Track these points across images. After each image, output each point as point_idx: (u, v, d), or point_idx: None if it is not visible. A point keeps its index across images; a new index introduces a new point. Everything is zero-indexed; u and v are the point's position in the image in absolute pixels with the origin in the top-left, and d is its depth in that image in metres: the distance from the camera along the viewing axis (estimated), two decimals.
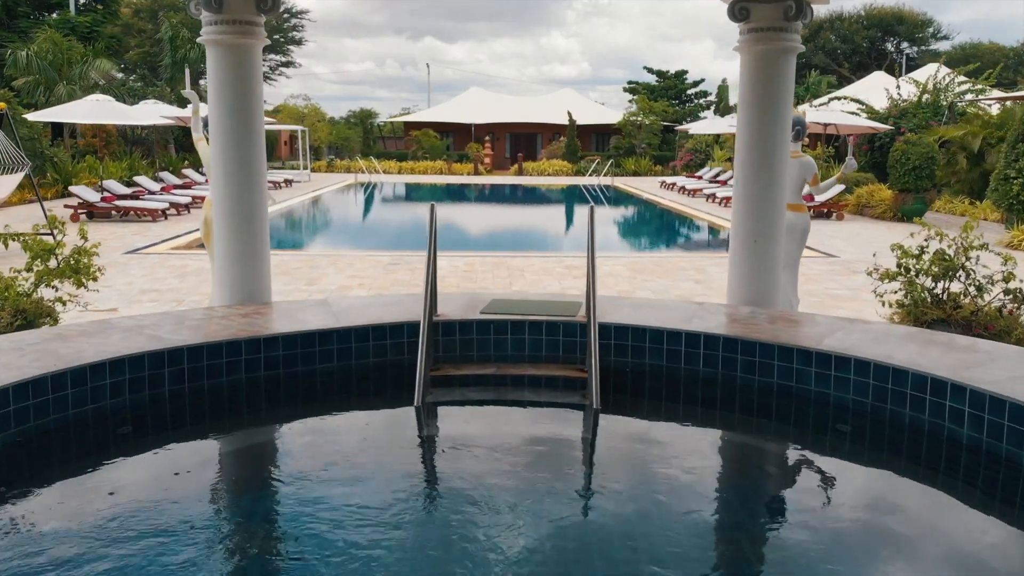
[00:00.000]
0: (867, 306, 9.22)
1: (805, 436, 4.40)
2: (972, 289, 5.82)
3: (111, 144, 27.74)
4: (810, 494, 3.70)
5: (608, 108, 51.95)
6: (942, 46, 59.80)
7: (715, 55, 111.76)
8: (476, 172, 39.31)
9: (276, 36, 55.50)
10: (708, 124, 30.25)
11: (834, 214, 19.01)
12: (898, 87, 26.00)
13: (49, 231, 6.77)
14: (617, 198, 28.09)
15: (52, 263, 6.29)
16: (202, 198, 20.97)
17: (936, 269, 5.78)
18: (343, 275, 10.80)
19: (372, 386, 4.84)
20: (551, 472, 3.67)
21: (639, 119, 39.34)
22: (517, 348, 4.97)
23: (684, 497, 3.55)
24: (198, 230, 16.65)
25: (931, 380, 3.96)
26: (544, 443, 4.03)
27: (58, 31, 28.55)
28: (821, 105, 28.79)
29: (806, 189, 6.53)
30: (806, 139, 6.18)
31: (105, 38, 32.54)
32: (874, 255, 6.41)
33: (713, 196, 23.23)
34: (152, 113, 19.37)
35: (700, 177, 28.60)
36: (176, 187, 21.10)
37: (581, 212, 25.09)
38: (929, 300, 5.83)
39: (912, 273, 5.84)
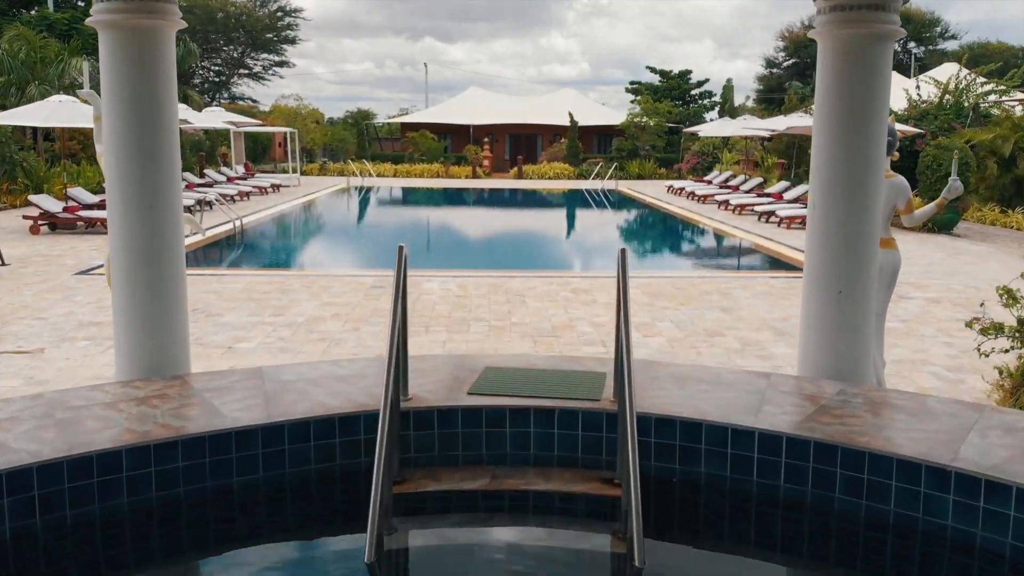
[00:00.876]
0: (929, 344, 7.86)
1: None
2: None
3: (90, 147, 26.33)
4: None
5: (608, 108, 50.63)
6: (949, 46, 58.64)
7: (714, 55, 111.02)
8: (474, 175, 37.91)
9: (269, 35, 54.17)
10: (719, 126, 28.74)
11: None
12: (917, 87, 24.64)
13: None
14: (622, 204, 26.70)
15: None
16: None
17: None
18: (317, 302, 9.41)
19: (315, 510, 3.46)
20: None
21: (643, 120, 37.96)
22: (519, 445, 3.60)
23: None
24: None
25: None
26: None
27: (34, 28, 27.14)
28: None
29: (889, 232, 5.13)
30: (896, 154, 4.78)
31: (85, 36, 31.05)
32: (982, 305, 5.03)
33: (726, 203, 21.83)
34: None
35: (710, 182, 27.18)
36: None
37: (584, 219, 23.68)
38: None
39: None
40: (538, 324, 8.50)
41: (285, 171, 34.56)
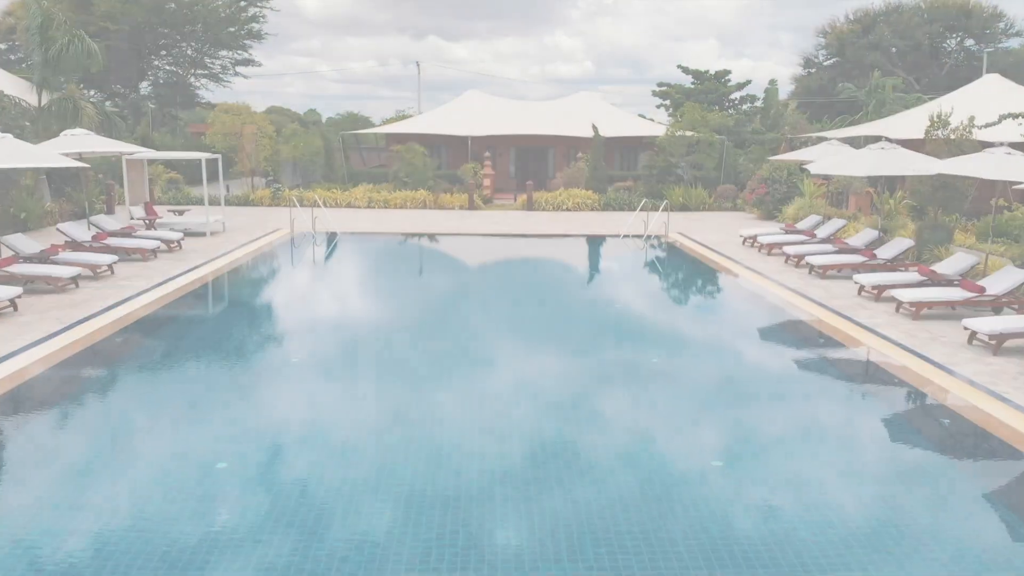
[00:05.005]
0: None
1: None
2: None
3: None
4: None
5: (630, 116, 42.36)
6: (1013, 43, 50.45)
7: (719, 54, 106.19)
8: (471, 204, 29.49)
9: (231, 28, 45.79)
10: (835, 156, 18.30)
11: None
12: None
13: None
14: (692, 277, 17.69)
15: None
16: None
17: None
18: None
19: None
20: None
21: (692, 135, 29.47)
22: None
23: None
24: None
25: None
26: None
27: None
28: (989, 126, 19.15)
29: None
30: None
31: None
32: None
33: (878, 289, 13.26)
34: None
35: (812, 234, 18.54)
36: None
37: (650, 349, 14.21)
38: None
39: None
40: None
41: (256, 187, 25.57)
